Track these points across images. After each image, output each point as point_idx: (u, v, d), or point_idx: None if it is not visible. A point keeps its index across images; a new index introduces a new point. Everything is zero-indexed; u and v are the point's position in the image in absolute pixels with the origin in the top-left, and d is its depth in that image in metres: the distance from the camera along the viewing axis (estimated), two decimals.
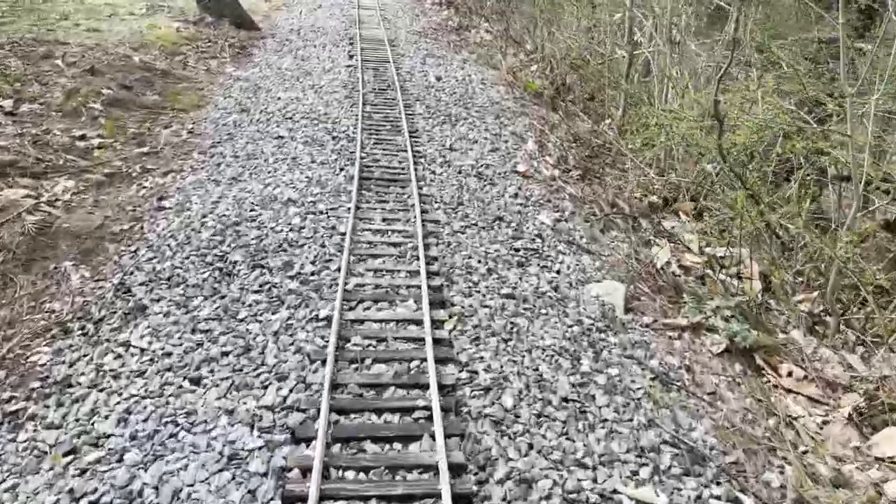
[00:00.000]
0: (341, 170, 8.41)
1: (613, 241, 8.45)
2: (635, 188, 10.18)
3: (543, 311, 5.91)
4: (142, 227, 7.13)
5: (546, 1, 18.64)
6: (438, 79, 13.21)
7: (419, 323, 5.33)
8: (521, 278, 6.42)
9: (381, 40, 15.90)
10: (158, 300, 5.74)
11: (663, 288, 7.57)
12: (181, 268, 6.20)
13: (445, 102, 11.82)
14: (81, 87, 11.32)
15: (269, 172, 8.30)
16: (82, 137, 9.39)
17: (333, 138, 9.50)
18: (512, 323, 5.58)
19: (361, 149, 9.03)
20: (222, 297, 5.69)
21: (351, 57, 14.27)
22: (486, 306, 5.78)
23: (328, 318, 5.29)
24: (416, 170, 8.55)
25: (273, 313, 5.42)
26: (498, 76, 15.13)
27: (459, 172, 8.92)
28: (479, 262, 6.55)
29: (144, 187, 8.25)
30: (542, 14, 18.73)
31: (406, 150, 9.14)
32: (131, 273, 6.21)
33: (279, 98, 11.60)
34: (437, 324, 5.35)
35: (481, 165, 9.36)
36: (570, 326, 5.79)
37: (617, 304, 6.71)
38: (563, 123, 12.36)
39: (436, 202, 7.79)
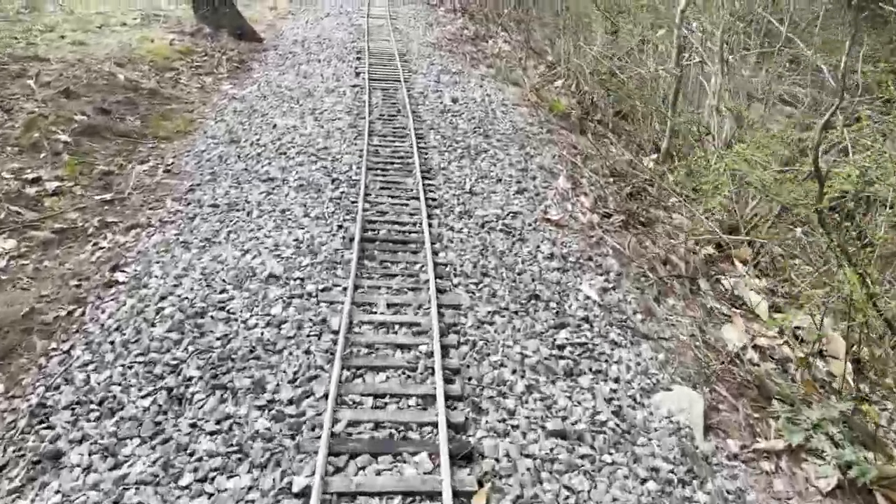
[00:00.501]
0: (339, 227, 6.73)
1: (671, 312, 6.73)
2: (689, 236, 8.45)
3: (607, 457, 4.20)
4: (83, 314, 5.48)
5: (572, 11, 16.88)
6: (455, 101, 11.51)
7: (435, 499, 3.63)
8: (570, 397, 4.71)
9: (392, 54, 14.20)
10: (80, 441, 4.09)
11: (744, 387, 5.85)
12: (120, 384, 4.54)
13: (463, 131, 10.12)
14: (51, 113, 9.71)
15: (251, 231, 6.64)
16: (36, 181, 7.76)
17: (333, 181, 7.82)
18: (567, 488, 3.87)
19: (365, 197, 7.35)
20: (164, 442, 4.03)
21: (357, 75, 12.59)
22: (528, 455, 4.08)
23: (304, 493, 3.60)
24: (430, 226, 6.86)
25: (229, 477, 3.75)
26: (520, 94, 13.42)
27: (482, 226, 7.23)
28: (515, 372, 4.84)
29: (100, 248, 6.60)
30: (567, 24, 16.98)
31: (418, 198, 7.45)
32: (56, 389, 4.57)
33: (275, 125, 9.94)
34: (461, 498, 3.65)
35: (507, 214, 7.66)
36: (645, 482, 4.09)
37: (695, 424, 5.00)
38: (597, 153, 10.63)
39: (455, 274, 6.09)
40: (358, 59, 13.84)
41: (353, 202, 7.30)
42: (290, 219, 6.89)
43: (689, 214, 8.99)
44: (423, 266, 6.09)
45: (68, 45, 13.70)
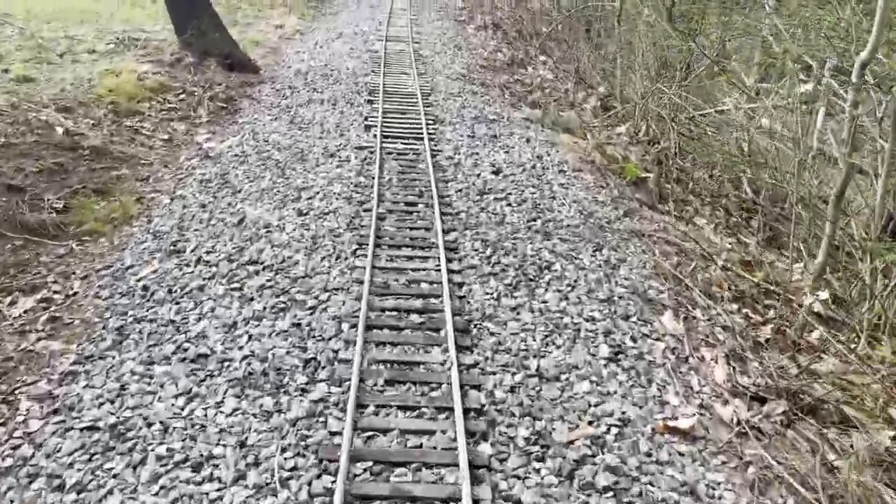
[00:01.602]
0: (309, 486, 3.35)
1: None
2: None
3: None
4: None
5: (634, 29, 13.30)
6: (497, 170, 8.04)
7: None
8: None
9: (413, 94, 10.75)
10: None
11: None
12: None
13: (513, 228, 6.65)
14: None
15: None
16: None
17: (306, 365, 4.42)
18: None
19: (357, 407, 3.96)
20: None
21: (368, 129, 9.18)
22: None
23: None
24: (475, 478, 3.45)
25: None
26: (575, 147, 9.93)
27: (570, 478, 3.78)
28: None
29: None
30: (622, 50, 13.42)
31: (451, 403, 4.03)
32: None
33: (242, 219, 6.57)
34: None
35: (608, 427, 4.21)
36: None
37: None
38: (700, 248, 7.12)
39: None
40: (370, 101, 10.42)
41: (339, 417, 3.88)
42: (217, 474, 3.51)
43: (843, 361, 5.48)
44: None
45: (10, 83, 10.48)
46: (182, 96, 11.19)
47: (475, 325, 4.95)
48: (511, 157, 8.65)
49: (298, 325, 4.76)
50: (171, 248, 6.13)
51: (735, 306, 6.34)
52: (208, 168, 8.43)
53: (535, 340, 4.92)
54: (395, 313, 4.94)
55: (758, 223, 9.68)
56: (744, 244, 8.87)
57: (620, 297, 5.84)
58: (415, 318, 4.91)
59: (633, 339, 5.29)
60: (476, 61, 14.35)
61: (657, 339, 5.44)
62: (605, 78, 14.49)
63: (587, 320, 5.37)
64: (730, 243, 8.15)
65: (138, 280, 5.63)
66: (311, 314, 4.89)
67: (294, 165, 8.05)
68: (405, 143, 8.59)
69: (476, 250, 6.08)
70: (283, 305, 5.00)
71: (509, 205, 7.17)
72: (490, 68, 14.24)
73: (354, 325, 4.70)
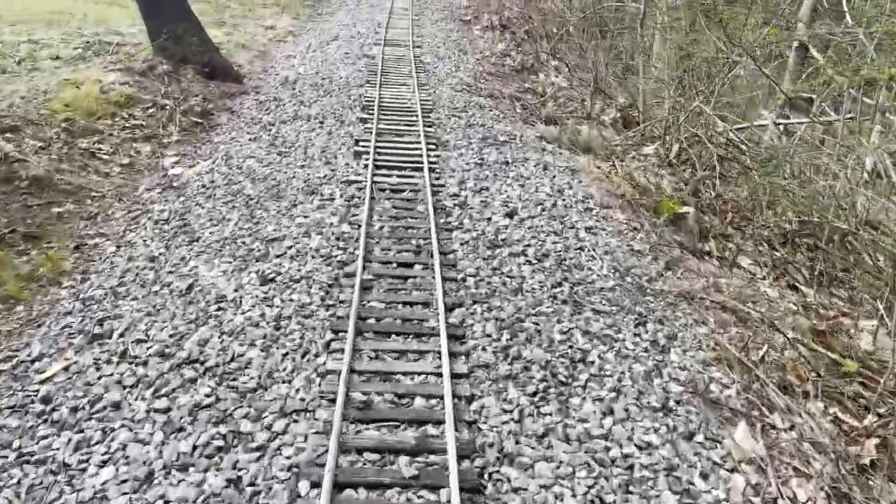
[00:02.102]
0: None
1: None
2: None
3: None
4: None
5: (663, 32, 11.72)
6: (511, 212, 6.48)
7: None
8: None
9: (412, 111, 9.18)
10: None
11: None
12: None
13: (534, 296, 5.11)
14: None
15: None
16: None
17: None
18: None
19: None
20: None
21: (358, 156, 7.64)
22: None
23: None
24: None
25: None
26: (597, 172, 8.39)
27: None
28: None
29: None
30: (645, 56, 11.84)
31: None
32: None
33: (191, 284, 5.06)
34: None
35: None
36: None
37: None
38: (775, 335, 5.59)
39: None
40: (363, 120, 8.86)
41: None
42: None
43: None
44: None
45: None
46: (151, 111, 9.66)
47: (490, 476, 3.43)
48: (527, 191, 7.11)
49: (237, 481, 3.25)
50: (97, 327, 4.63)
51: (821, 405, 4.82)
52: (169, 203, 6.94)
53: (574, 497, 3.41)
54: (377, 457, 3.42)
55: (812, 265, 8.17)
56: (801, 293, 7.36)
57: (678, 403, 4.33)
58: (404, 466, 3.39)
59: (704, 476, 3.79)
60: (483, 67, 12.76)
61: (733, 470, 3.93)
62: (625, 87, 12.91)
63: (641, 448, 3.86)
64: (793, 302, 6.61)
65: (42, 382, 4.13)
66: (258, 461, 3.38)
67: (267, 204, 6.53)
68: (401, 176, 7.05)
69: (488, 336, 4.56)
70: (220, 443, 3.49)
71: (528, 261, 5.63)
72: (498, 75, 12.67)
73: (317, 484, 3.19)
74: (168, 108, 9.77)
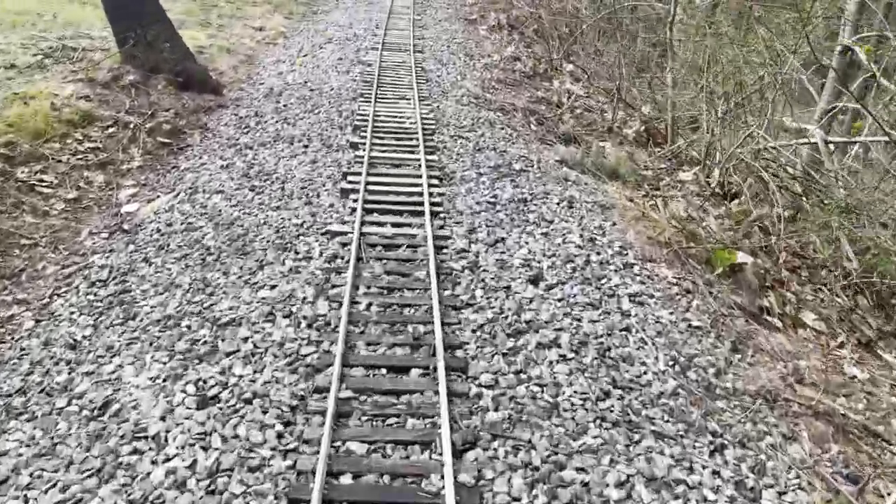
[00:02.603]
0: None
1: None
2: None
3: None
4: None
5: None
6: (535, 277, 4.99)
7: None
8: None
9: (411, 133, 7.66)
10: None
11: None
12: None
13: (575, 420, 3.64)
14: None
15: None
16: None
17: None
18: None
19: None
20: None
21: (345, 194, 6.14)
22: None
23: None
24: None
25: None
26: (631, 208, 6.91)
27: None
28: None
29: None
30: (677, 65, 10.31)
31: None
32: None
33: (106, 405, 3.63)
34: None
35: None
36: None
37: None
38: (885, 452, 4.14)
39: None
40: (354, 145, 7.35)
41: None
42: None
43: None
44: None
45: None
46: (111, 130, 8.19)
47: None
48: (552, 241, 5.62)
49: None
50: None
51: None
52: (113, 255, 5.51)
53: None
54: None
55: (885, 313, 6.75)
56: (885, 361, 5.91)
57: None
58: None
59: None
60: (491, 74, 11.23)
61: None
62: (649, 96, 11.38)
63: None
64: (886, 378, 5.13)
65: None
66: None
67: (228, 263, 5.07)
68: (397, 224, 5.57)
69: (517, 501, 3.10)
70: None
71: (562, 356, 4.16)
72: (508, 83, 11.14)
73: None
74: (132, 125, 8.30)
